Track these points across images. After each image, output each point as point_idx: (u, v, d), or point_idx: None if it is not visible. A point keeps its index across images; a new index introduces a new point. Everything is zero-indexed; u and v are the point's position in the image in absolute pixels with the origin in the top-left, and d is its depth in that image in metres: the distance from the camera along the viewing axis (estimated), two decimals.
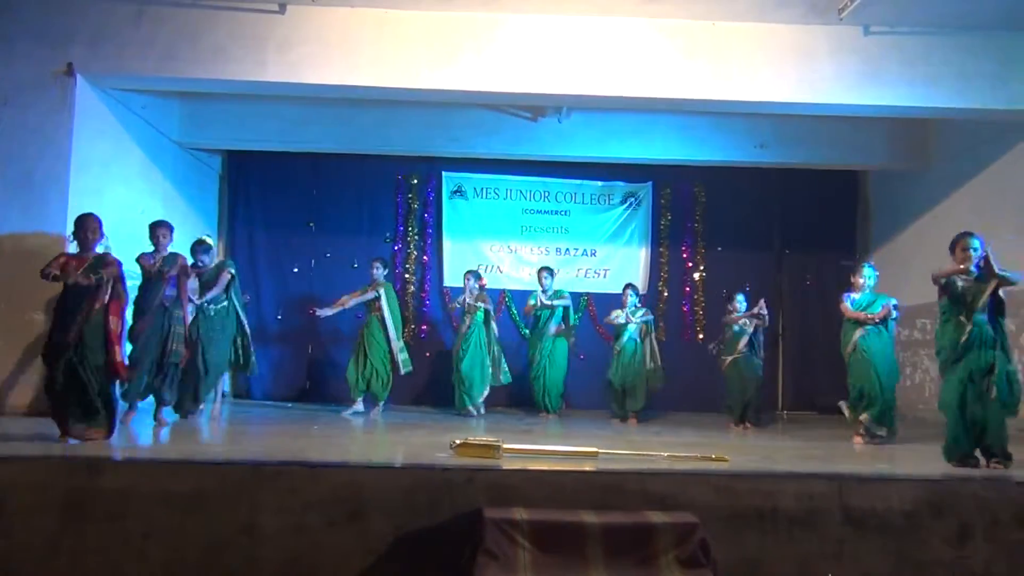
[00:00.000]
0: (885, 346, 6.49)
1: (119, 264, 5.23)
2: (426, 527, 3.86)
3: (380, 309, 7.92)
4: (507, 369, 8.46)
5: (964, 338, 4.91)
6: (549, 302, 8.45)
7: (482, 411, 8.27)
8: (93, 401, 4.84)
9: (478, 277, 8.61)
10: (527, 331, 8.98)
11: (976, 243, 5.01)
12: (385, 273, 8.13)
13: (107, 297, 5.02)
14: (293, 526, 3.83)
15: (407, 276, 9.75)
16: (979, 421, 4.87)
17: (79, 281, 4.91)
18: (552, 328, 8.42)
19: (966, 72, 6.86)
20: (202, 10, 6.73)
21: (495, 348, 8.43)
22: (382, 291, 7.96)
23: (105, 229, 5.31)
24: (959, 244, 5.09)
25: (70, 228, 6.42)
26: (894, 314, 6.55)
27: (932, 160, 8.77)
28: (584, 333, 9.37)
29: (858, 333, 6.44)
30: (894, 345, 6.74)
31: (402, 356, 7.98)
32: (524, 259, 9.81)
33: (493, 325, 8.50)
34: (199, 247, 6.95)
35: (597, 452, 4.66)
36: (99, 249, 5.26)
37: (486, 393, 8.35)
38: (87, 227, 5.18)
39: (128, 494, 3.84)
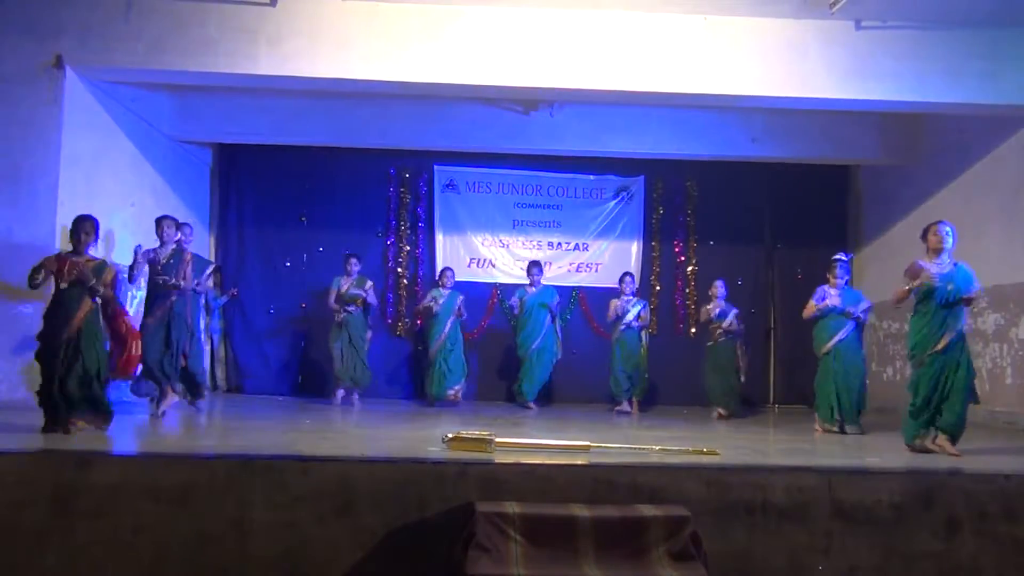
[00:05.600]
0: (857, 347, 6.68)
1: (117, 272, 5.34)
2: (417, 521, 3.85)
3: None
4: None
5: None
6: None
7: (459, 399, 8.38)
8: (95, 394, 4.99)
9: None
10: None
11: (947, 228, 5.19)
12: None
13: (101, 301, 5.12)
14: (283, 520, 3.82)
15: (399, 270, 9.73)
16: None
17: (79, 277, 4.97)
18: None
19: (956, 67, 6.88)
20: (192, 2, 6.68)
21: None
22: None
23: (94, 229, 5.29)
24: (930, 230, 5.26)
25: (60, 221, 6.45)
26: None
27: (923, 155, 8.80)
28: (576, 327, 9.37)
29: (840, 334, 6.53)
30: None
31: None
32: (516, 253, 9.80)
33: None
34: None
35: (589, 446, 4.66)
36: (91, 251, 5.28)
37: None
38: (81, 229, 5.18)
39: (117, 488, 3.82)
